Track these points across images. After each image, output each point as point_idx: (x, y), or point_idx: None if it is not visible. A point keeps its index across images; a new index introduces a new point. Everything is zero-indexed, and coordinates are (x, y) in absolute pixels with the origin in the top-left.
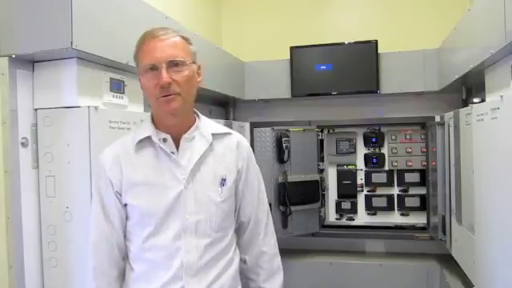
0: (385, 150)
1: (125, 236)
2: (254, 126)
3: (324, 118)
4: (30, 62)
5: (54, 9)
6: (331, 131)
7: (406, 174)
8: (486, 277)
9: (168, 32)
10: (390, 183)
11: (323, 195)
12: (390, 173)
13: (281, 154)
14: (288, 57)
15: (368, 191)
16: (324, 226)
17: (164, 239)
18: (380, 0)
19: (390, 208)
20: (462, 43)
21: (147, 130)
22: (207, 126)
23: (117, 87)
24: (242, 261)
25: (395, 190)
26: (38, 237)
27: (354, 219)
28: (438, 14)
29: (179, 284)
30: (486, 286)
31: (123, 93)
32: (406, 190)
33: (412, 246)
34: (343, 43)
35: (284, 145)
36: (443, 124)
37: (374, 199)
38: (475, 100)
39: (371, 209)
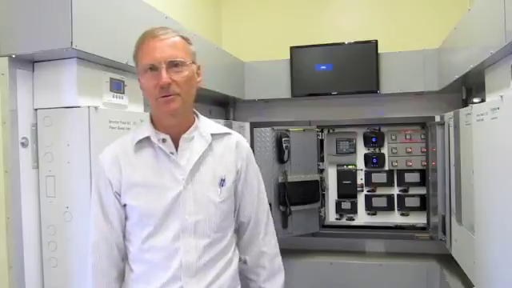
0: (385, 150)
1: (124, 236)
2: (254, 126)
3: (324, 117)
4: (30, 62)
5: (54, 9)
6: (331, 131)
7: (405, 174)
8: (486, 277)
9: (168, 32)
10: (390, 183)
11: (323, 195)
12: (390, 173)
13: (281, 154)
14: (288, 57)
15: (368, 191)
16: (324, 226)
17: (163, 240)
18: (380, 0)
19: (390, 208)
20: (461, 43)
21: (146, 130)
22: (206, 126)
23: (117, 87)
24: (242, 261)
25: (395, 190)
26: (38, 237)
27: (354, 219)
28: (438, 14)
29: (178, 284)
30: (486, 285)
31: (123, 93)
32: (406, 190)
33: (412, 246)
34: (343, 43)
35: (284, 145)
36: (443, 124)
37: (374, 199)
38: (475, 100)
39: (371, 209)
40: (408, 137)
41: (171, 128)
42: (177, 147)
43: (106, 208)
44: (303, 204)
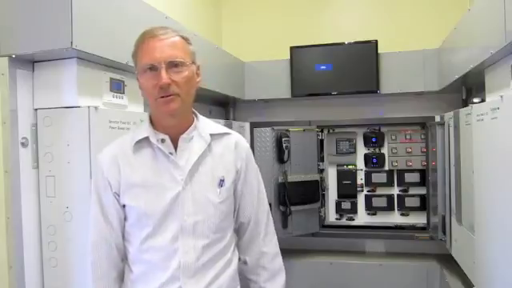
0: (385, 150)
1: (123, 237)
2: (253, 126)
3: (324, 117)
4: (30, 62)
5: (54, 9)
6: (331, 131)
7: (405, 174)
8: (486, 277)
9: (167, 31)
10: (390, 183)
11: (323, 195)
12: (390, 173)
13: (281, 153)
14: (288, 57)
15: (368, 191)
16: (324, 226)
17: (162, 240)
18: (380, 0)
19: (390, 208)
20: (461, 43)
21: (145, 130)
22: (206, 126)
23: (117, 87)
24: (243, 261)
25: (395, 190)
26: (38, 237)
27: (354, 219)
28: (438, 14)
29: (177, 285)
30: (486, 285)
31: (123, 93)
32: (406, 190)
33: (412, 246)
34: (343, 43)
35: (284, 145)
36: (443, 124)
37: (374, 199)
38: (475, 100)
39: (371, 209)
40: (408, 137)
41: (170, 128)
42: (176, 147)
43: (106, 208)
44: (303, 204)
